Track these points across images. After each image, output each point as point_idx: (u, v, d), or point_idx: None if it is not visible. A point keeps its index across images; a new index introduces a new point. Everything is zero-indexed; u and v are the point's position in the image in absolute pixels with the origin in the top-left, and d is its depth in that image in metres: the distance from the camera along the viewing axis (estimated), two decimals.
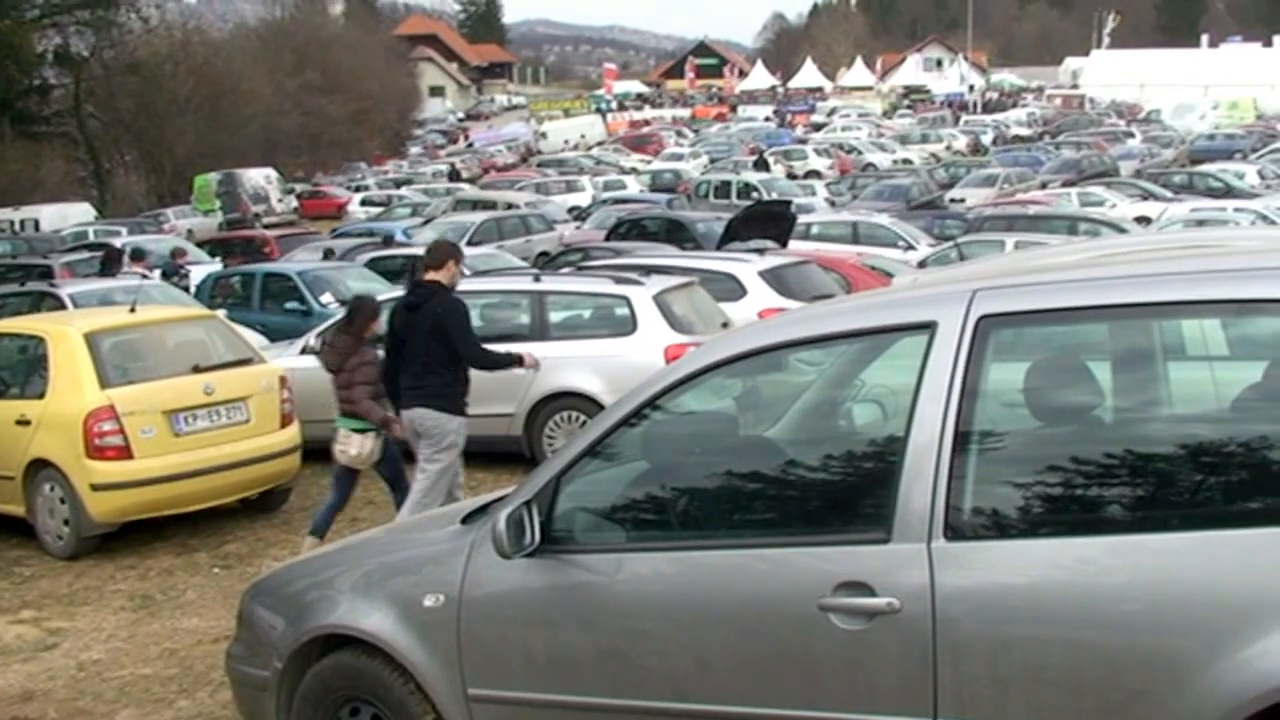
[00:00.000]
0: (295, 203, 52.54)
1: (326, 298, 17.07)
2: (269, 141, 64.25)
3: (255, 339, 13.01)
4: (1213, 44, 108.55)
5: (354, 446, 9.22)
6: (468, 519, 4.65)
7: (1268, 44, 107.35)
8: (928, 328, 3.72)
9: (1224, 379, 3.89)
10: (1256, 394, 3.66)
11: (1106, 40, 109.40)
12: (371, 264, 20.51)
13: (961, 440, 3.57)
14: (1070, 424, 3.79)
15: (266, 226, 40.54)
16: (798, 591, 3.71)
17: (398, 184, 55.42)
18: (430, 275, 8.92)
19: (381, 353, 9.16)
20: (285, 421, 10.55)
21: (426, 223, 30.92)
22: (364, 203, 48.25)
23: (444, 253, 9.07)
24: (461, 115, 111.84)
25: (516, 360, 9.24)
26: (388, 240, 26.50)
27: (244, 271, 19.74)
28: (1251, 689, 3.11)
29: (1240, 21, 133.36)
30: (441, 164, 66.58)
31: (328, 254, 23.63)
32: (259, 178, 51.57)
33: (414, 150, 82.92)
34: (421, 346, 8.61)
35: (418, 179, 58.06)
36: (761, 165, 49.43)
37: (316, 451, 11.39)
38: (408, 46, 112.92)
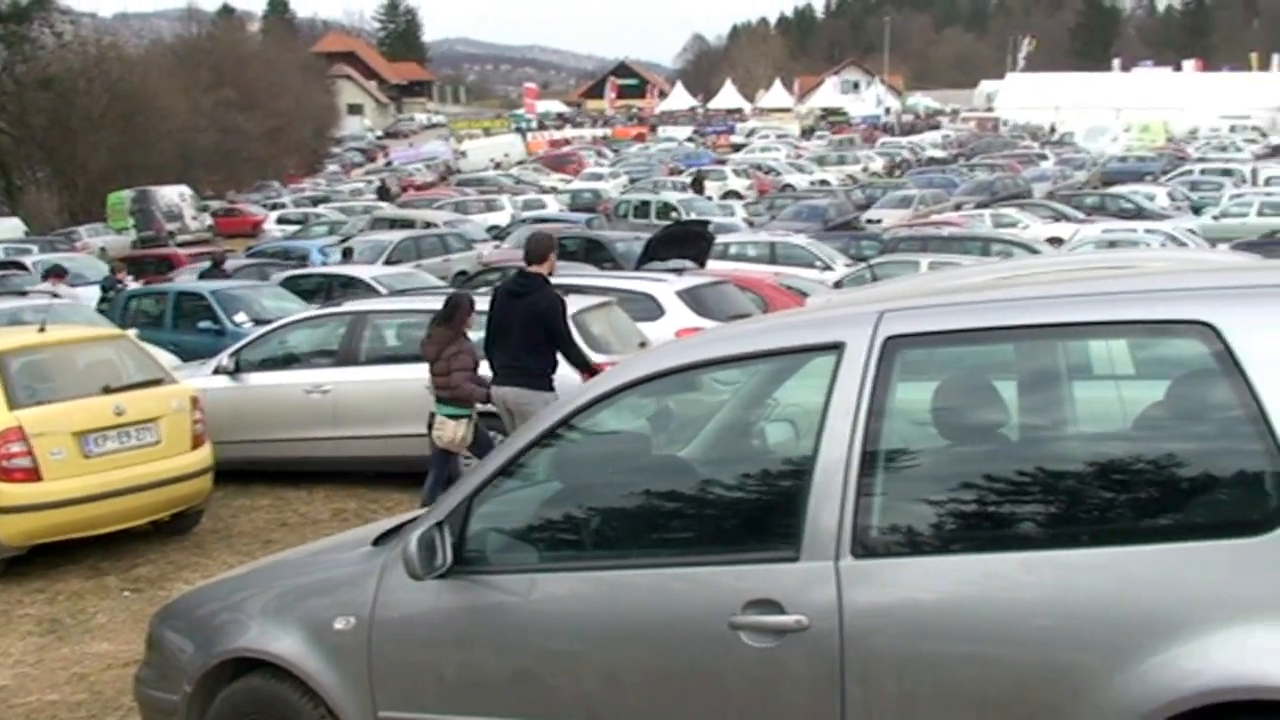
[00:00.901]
0: (210, 221, 51.96)
1: (240, 317, 16.89)
2: (184, 159, 63.53)
3: (167, 359, 12.87)
4: (1125, 68, 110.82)
5: (448, 431, 9.87)
6: (379, 541, 4.63)
7: (1178, 68, 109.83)
8: (836, 348, 3.76)
9: (1129, 398, 3.97)
10: (1158, 413, 3.75)
11: (1022, 63, 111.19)
12: (288, 283, 20.32)
13: (869, 459, 3.62)
14: (977, 442, 3.85)
15: (181, 245, 40.03)
16: (709, 610, 3.73)
17: (315, 202, 55.01)
18: (533, 268, 9.67)
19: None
20: (197, 442, 10.41)
21: (343, 241, 30.70)
22: (280, 221, 47.84)
23: (545, 247, 9.82)
24: (380, 133, 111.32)
25: (590, 368, 9.57)
26: (347, 254, 26.46)
27: (156, 290, 19.52)
28: (1151, 700, 3.18)
29: (1151, 46, 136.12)
30: (356, 183, 66.19)
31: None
32: (173, 195, 51.00)
33: (331, 168, 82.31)
34: (520, 331, 9.37)
35: (335, 197, 57.66)
36: (697, 185, 49.83)
37: (229, 473, 11.30)
38: (326, 64, 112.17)
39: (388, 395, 11.71)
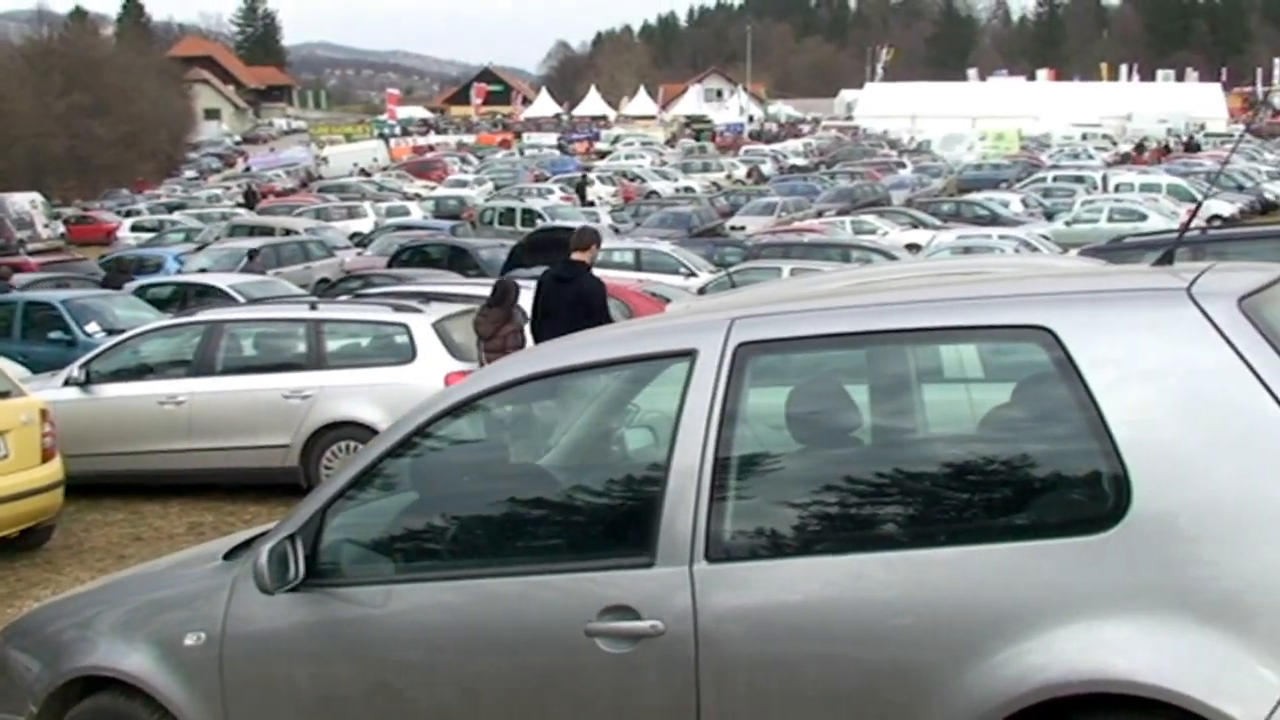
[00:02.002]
0: (63, 229, 50.59)
1: (92, 327, 16.47)
2: (35, 165, 61.81)
3: (15, 370, 12.49)
4: (980, 78, 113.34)
5: None
6: (231, 554, 4.55)
7: (1031, 78, 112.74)
8: (689, 355, 3.79)
9: (977, 401, 4.06)
10: (1004, 415, 3.84)
11: (880, 73, 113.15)
12: (140, 292, 19.89)
13: (722, 464, 3.65)
14: (828, 447, 3.91)
15: (32, 253, 38.90)
16: (565, 617, 3.73)
17: (170, 209, 53.83)
18: (577, 255, 10.71)
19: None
20: (47, 456, 10.12)
21: (200, 249, 30.14)
22: (135, 228, 46.71)
23: (588, 238, 11.06)
24: (238, 139, 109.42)
25: None
26: (252, 255, 25.90)
27: (3, 300, 18.94)
28: (998, 696, 3.25)
29: (1006, 56, 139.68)
30: (214, 189, 64.94)
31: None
32: (23, 202, 49.56)
33: (188, 174, 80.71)
34: (566, 314, 9.90)
35: (192, 203, 56.50)
36: (581, 190, 49.92)
37: (81, 487, 11.02)
38: (182, 68, 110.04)
39: (245, 406, 11.53)
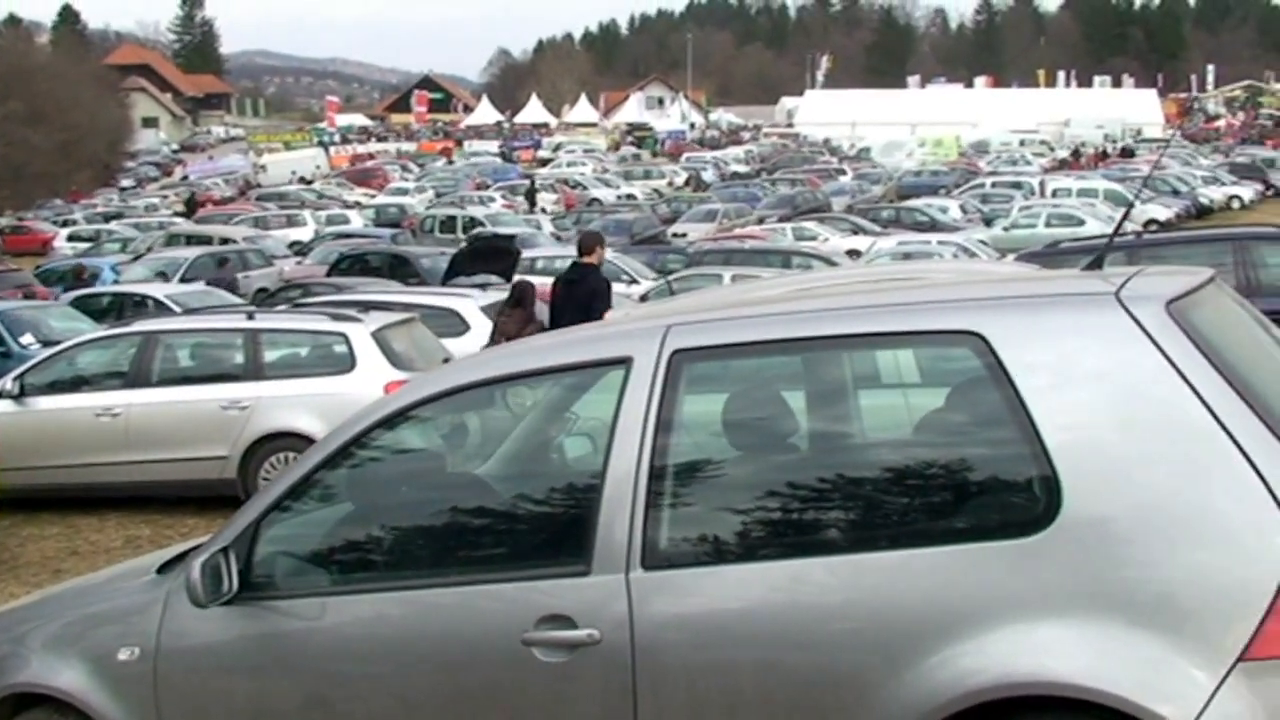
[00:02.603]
0: None
1: (27, 339, 16.26)
2: None
3: None
4: (920, 85, 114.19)
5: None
6: (165, 568, 4.50)
7: (969, 85, 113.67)
8: (624, 363, 3.79)
9: (912, 406, 4.09)
10: (938, 420, 3.87)
11: (821, 80, 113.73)
12: (77, 303, 19.65)
13: (658, 472, 3.65)
14: (764, 453, 3.92)
15: None
16: (502, 627, 3.72)
17: (107, 218, 53.20)
18: (584, 259, 11.69)
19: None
20: None
21: (136, 259, 29.81)
22: (71, 238, 46.16)
23: (593, 240, 12.10)
24: (176, 147, 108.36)
25: None
26: (221, 263, 25.71)
27: None
28: (933, 699, 3.27)
29: (945, 64, 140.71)
30: (151, 198, 64.20)
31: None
32: None
33: (125, 183, 79.72)
34: (572, 313, 10.46)
35: (129, 212, 55.84)
36: (530, 197, 49.88)
37: (16, 501, 10.89)
38: (119, 76, 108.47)
39: (182, 417, 11.42)
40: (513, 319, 12.22)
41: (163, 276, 25.46)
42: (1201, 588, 3.15)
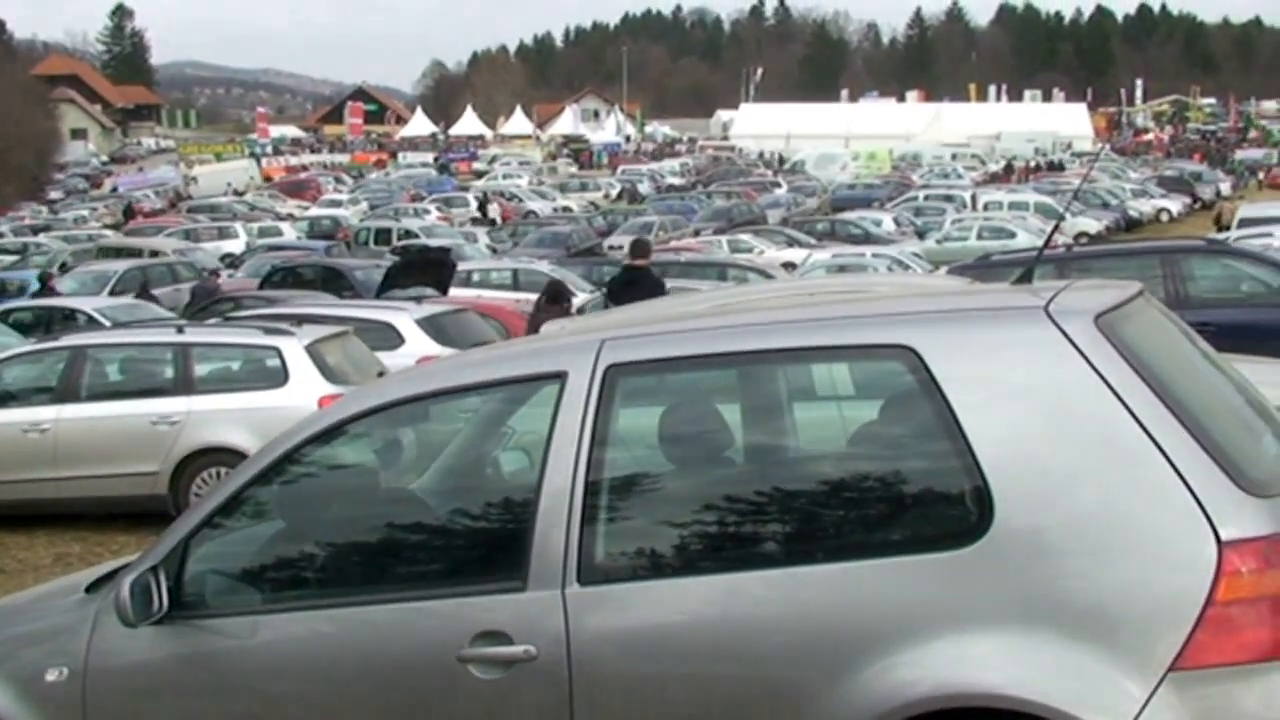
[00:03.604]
0: None
1: None
2: None
3: None
4: (852, 99, 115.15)
5: None
6: (93, 587, 4.43)
7: (901, 99, 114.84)
8: (559, 377, 3.78)
9: (846, 419, 4.11)
10: (872, 433, 3.88)
11: (753, 93, 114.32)
12: (3, 316, 19.35)
13: (593, 487, 3.64)
14: (699, 467, 3.92)
15: None
16: (437, 644, 3.69)
17: (35, 230, 52.38)
18: (638, 262, 13.17)
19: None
20: None
21: (64, 271, 29.40)
22: None
23: (644, 247, 13.75)
24: (106, 159, 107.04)
25: None
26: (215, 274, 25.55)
27: None
28: (867, 711, 3.28)
29: (877, 79, 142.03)
30: (81, 210, 63.27)
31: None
32: None
33: (53, 195, 78.63)
34: None
35: (57, 225, 55.02)
36: (483, 207, 49.85)
37: None
38: (47, 87, 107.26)
39: (111, 432, 11.26)
40: (549, 315, 12.25)
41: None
42: (1132, 599, 3.19)
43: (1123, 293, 3.79)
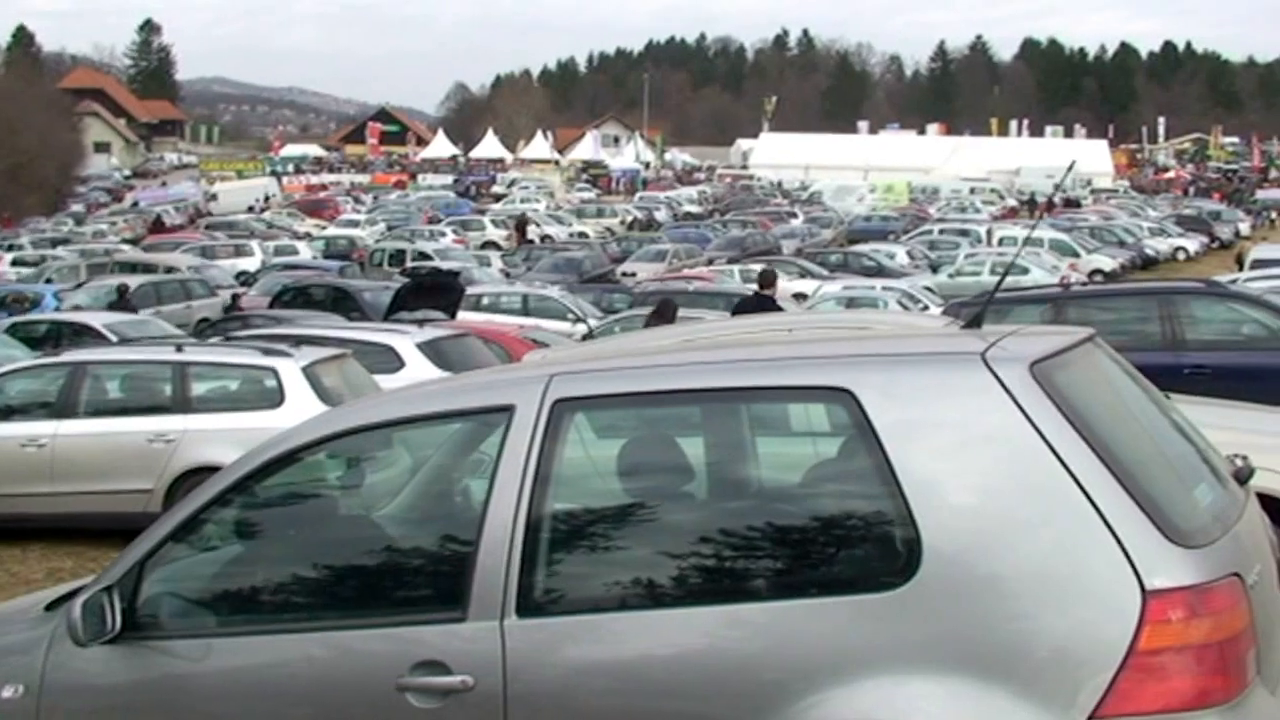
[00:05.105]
0: None
1: None
2: None
3: None
4: (873, 131, 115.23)
5: None
6: (53, 605, 4.48)
7: (921, 132, 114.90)
8: (506, 410, 3.83)
9: (785, 462, 4.16)
10: (809, 475, 3.94)
11: (767, 123, 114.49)
12: (14, 330, 19.50)
13: (535, 520, 3.68)
14: (639, 504, 3.95)
15: None
16: (376, 672, 3.73)
17: (54, 243, 52.68)
18: (765, 291, 14.51)
19: None
20: None
21: (78, 286, 29.60)
22: (15, 263, 45.64)
23: (771, 276, 15.14)
24: (128, 173, 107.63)
25: None
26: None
27: None
28: None
29: (898, 111, 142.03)
30: (99, 224, 63.55)
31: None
32: None
33: (74, 207, 79.03)
34: None
35: (76, 238, 55.31)
36: (521, 228, 50.09)
37: None
38: (72, 100, 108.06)
39: (108, 449, 11.34)
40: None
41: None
42: (1057, 645, 3.22)
43: (1067, 339, 3.82)
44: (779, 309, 13.98)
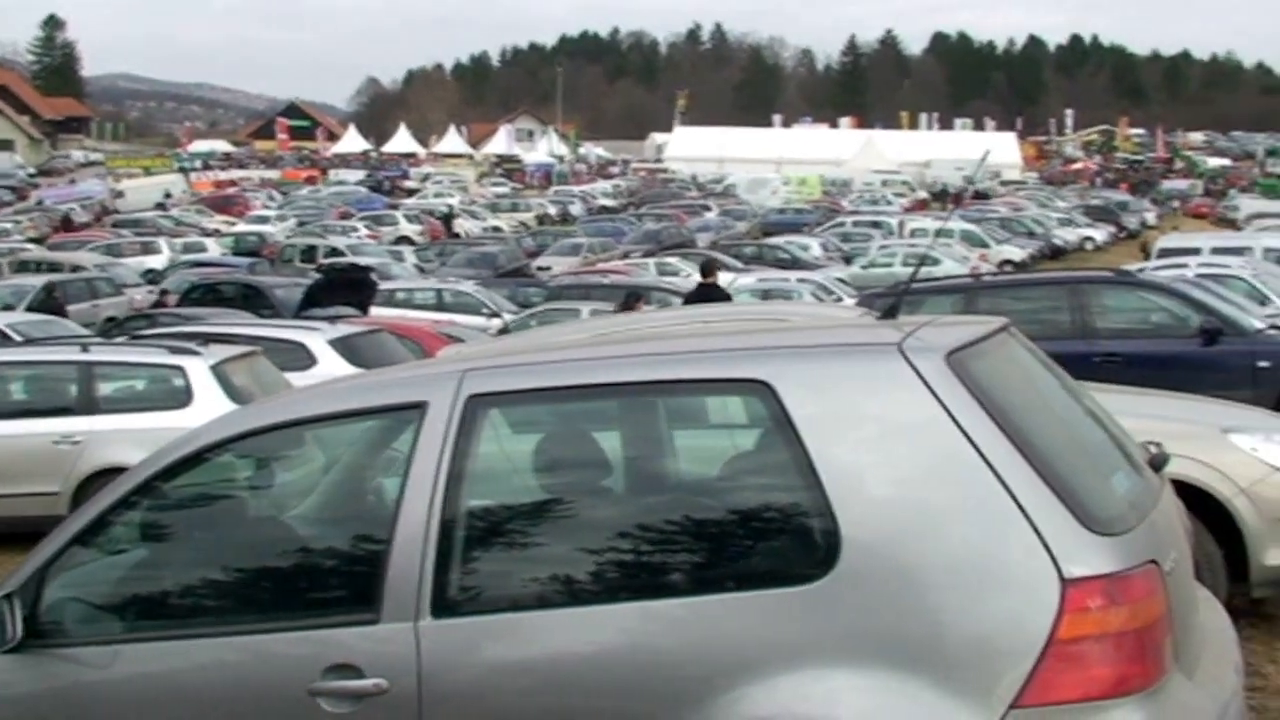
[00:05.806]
0: None
1: None
2: None
3: None
4: (786, 124, 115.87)
5: None
6: None
7: (834, 125, 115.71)
8: (419, 407, 3.75)
9: (702, 455, 4.12)
10: (727, 469, 3.91)
11: (678, 117, 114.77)
12: None
13: (449, 519, 3.61)
14: (555, 500, 3.89)
15: None
16: (288, 676, 3.65)
17: None
18: (708, 279, 15.26)
19: None
20: None
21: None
22: None
23: (715, 264, 16.81)
24: (33, 170, 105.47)
25: None
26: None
27: None
28: None
29: (811, 105, 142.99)
30: (3, 223, 62.22)
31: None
32: None
33: None
34: None
35: None
36: (447, 222, 49.70)
37: None
38: None
39: (12, 452, 11.08)
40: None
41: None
42: (976, 636, 3.21)
43: (982, 329, 3.82)
44: (727, 297, 14.29)
